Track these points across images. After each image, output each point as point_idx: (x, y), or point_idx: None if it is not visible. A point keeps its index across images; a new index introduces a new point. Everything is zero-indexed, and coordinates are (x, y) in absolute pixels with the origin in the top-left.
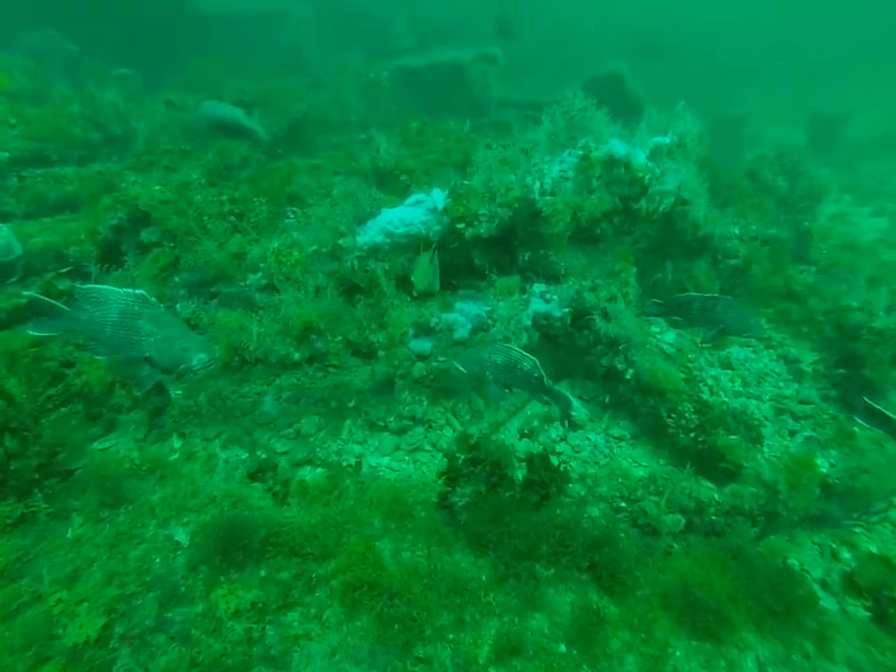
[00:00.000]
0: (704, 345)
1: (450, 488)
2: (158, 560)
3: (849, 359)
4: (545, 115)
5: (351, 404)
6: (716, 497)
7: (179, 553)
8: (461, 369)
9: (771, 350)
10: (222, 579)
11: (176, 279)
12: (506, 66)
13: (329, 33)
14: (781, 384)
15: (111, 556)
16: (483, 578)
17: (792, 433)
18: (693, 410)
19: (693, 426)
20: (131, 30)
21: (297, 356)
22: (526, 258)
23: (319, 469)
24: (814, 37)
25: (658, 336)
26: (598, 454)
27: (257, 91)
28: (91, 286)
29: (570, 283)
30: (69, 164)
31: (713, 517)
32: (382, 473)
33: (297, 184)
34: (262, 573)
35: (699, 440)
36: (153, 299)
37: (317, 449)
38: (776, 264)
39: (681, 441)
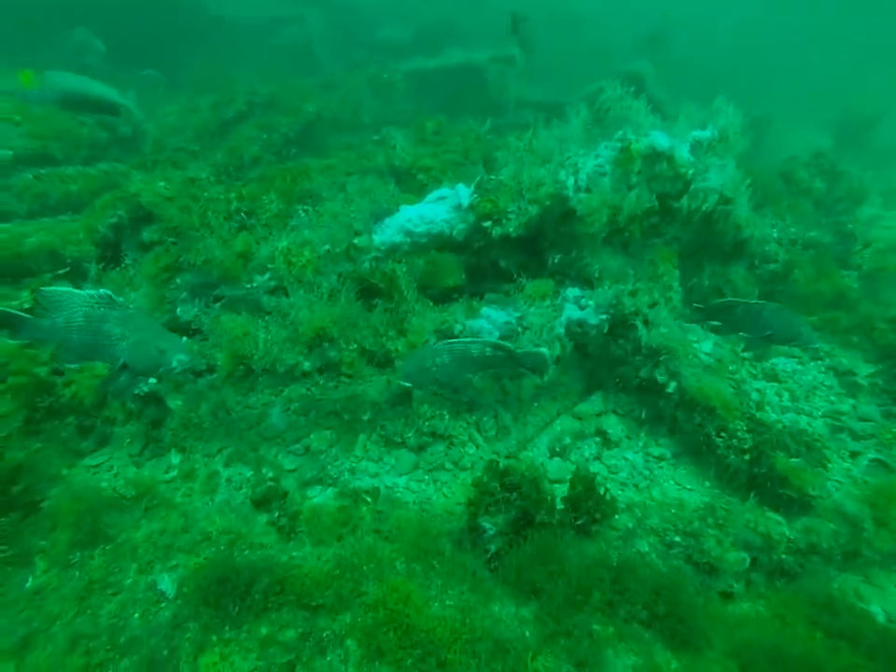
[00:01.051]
0: (745, 355)
1: (479, 519)
2: (136, 615)
3: None
4: (581, 104)
5: (366, 417)
6: (787, 532)
7: (163, 605)
8: (406, 384)
9: (818, 361)
10: (214, 639)
11: (178, 280)
12: (523, 70)
13: (340, 35)
14: (833, 398)
15: (78, 612)
16: (528, 634)
17: (854, 455)
18: (745, 429)
19: (746, 446)
20: (142, 32)
21: (307, 365)
22: (557, 260)
23: (331, 492)
24: (836, 40)
25: (695, 345)
26: (637, 475)
27: (268, 92)
28: (51, 288)
29: (607, 287)
30: (74, 164)
31: (783, 556)
32: (399, 495)
33: (309, 182)
34: (263, 631)
35: (755, 463)
36: (120, 299)
37: (328, 467)
38: (820, 269)
39: (732, 462)
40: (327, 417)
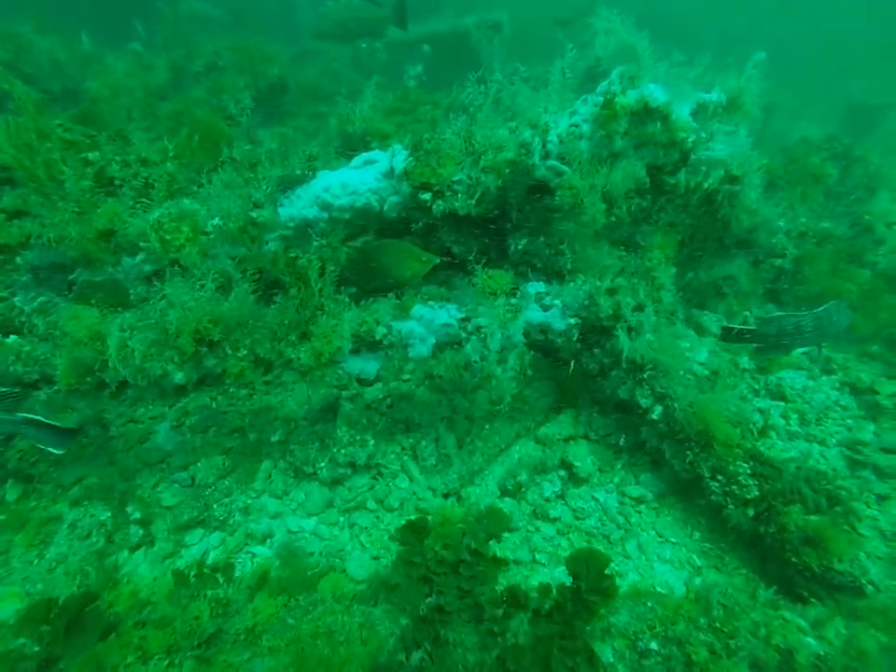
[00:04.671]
0: (747, 366)
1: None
2: None
3: None
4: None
5: (275, 438)
6: (815, 647)
7: None
8: None
9: (832, 376)
10: None
11: (19, 260)
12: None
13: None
14: (851, 422)
15: None
16: None
17: (882, 499)
18: (749, 472)
19: (749, 496)
20: None
21: (179, 377)
22: (521, 246)
23: (216, 537)
24: (840, 30)
25: (687, 354)
26: (609, 522)
27: (233, 56)
28: None
29: (580, 282)
30: None
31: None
32: (303, 543)
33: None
34: None
35: (761, 519)
36: None
37: (215, 505)
38: (834, 266)
39: (731, 515)
40: (230, 436)
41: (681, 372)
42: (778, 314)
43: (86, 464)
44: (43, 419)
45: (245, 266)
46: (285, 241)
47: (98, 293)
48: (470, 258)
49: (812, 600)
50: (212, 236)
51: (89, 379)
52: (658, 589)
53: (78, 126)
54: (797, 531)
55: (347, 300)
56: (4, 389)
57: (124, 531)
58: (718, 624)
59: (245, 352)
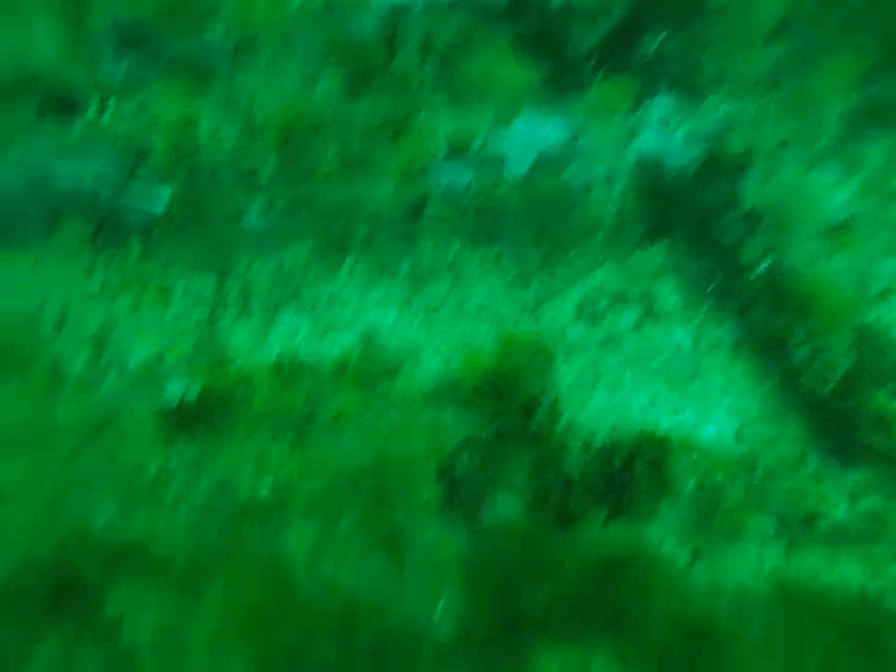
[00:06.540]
0: None
1: None
2: None
3: None
4: None
5: (360, 233)
6: (837, 513)
7: None
8: None
9: None
10: None
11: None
12: None
13: None
14: None
15: None
16: None
17: None
18: (849, 344)
19: (837, 374)
20: None
21: (267, 172)
22: (654, 45)
23: (307, 322)
24: None
25: (830, 192)
26: (679, 360)
27: None
28: None
29: (716, 100)
30: None
31: (825, 530)
32: (381, 342)
33: None
34: None
35: (838, 395)
36: None
37: (304, 290)
38: None
39: (805, 384)
40: (319, 223)
41: (810, 223)
42: None
43: (186, 238)
44: None
45: (332, 56)
46: (381, 22)
47: (181, 70)
48: (590, 62)
49: (862, 467)
50: (295, 13)
51: (185, 163)
52: (708, 437)
53: None
54: (875, 412)
55: (446, 100)
56: None
57: (224, 304)
58: (756, 483)
59: (333, 149)
